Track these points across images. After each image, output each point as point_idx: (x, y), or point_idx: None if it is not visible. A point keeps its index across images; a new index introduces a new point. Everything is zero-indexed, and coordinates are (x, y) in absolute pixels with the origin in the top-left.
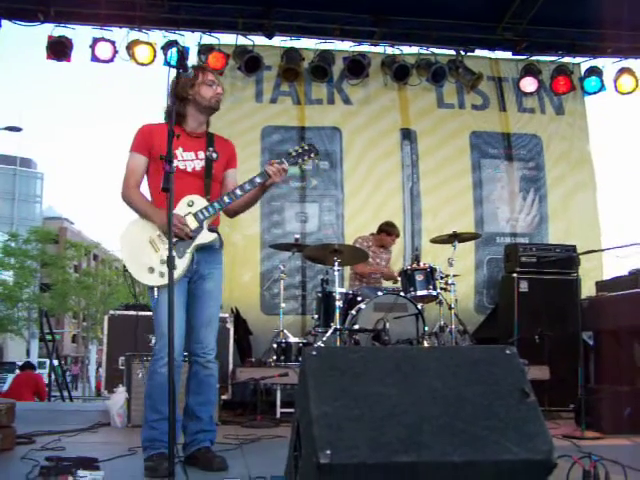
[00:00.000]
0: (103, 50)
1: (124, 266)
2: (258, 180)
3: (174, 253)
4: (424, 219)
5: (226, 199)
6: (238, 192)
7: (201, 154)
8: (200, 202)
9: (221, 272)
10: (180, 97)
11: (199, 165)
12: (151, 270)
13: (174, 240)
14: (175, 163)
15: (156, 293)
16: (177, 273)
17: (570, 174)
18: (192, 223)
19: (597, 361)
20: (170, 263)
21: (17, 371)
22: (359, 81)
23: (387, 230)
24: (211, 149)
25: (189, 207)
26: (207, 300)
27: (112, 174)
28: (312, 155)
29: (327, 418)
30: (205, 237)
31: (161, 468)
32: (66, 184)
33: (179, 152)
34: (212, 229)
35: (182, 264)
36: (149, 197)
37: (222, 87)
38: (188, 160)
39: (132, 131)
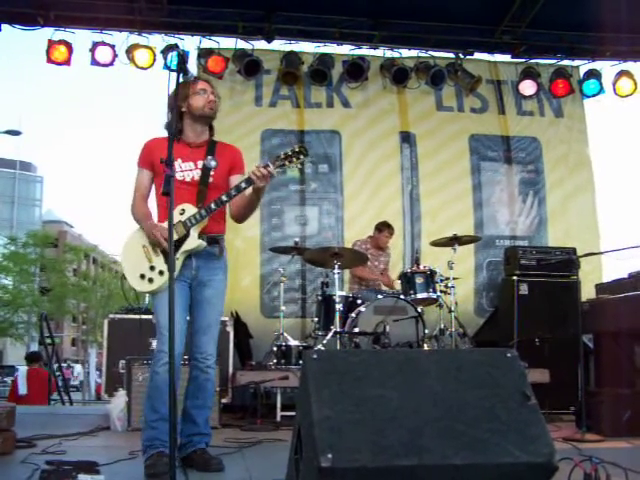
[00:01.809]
0: (103, 54)
1: (123, 274)
2: (243, 185)
3: (162, 260)
4: (424, 222)
5: (213, 206)
6: (224, 198)
7: (200, 163)
8: (190, 210)
9: (221, 280)
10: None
11: (198, 175)
12: (142, 277)
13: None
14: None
15: (150, 297)
16: (165, 277)
17: (569, 177)
18: (180, 230)
19: (597, 364)
20: (171, 266)
21: (18, 367)
22: (358, 84)
23: (379, 227)
24: (210, 157)
25: (180, 215)
26: (205, 307)
27: (112, 178)
28: (301, 157)
29: (328, 421)
30: (190, 243)
31: (159, 464)
32: (66, 188)
33: (178, 163)
34: (212, 238)
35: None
36: (156, 210)
37: (216, 93)
38: (187, 170)
39: (132, 135)
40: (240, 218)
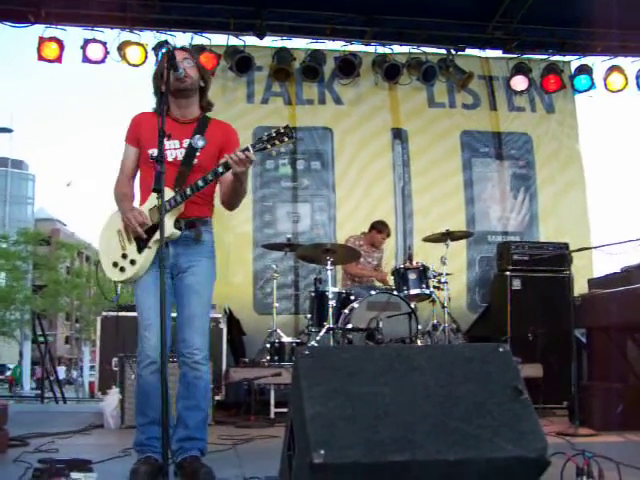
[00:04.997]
0: (94, 51)
1: (98, 261)
2: (221, 170)
3: (135, 248)
4: (416, 219)
5: (188, 191)
6: (200, 183)
7: (186, 142)
8: (167, 194)
9: (204, 266)
10: (156, 91)
11: (181, 154)
12: (115, 265)
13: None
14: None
15: (119, 289)
16: (137, 267)
17: (560, 172)
18: (154, 217)
19: (590, 358)
20: (162, 263)
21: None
22: (350, 81)
23: (378, 228)
24: (198, 136)
25: (157, 200)
26: (187, 295)
27: (104, 175)
28: (285, 140)
29: (321, 418)
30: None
31: (140, 471)
32: (58, 186)
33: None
34: (189, 222)
35: (141, 258)
36: (138, 191)
37: (195, 61)
38: (171, 149)
39: (124, 132)
40: (227, 205)
